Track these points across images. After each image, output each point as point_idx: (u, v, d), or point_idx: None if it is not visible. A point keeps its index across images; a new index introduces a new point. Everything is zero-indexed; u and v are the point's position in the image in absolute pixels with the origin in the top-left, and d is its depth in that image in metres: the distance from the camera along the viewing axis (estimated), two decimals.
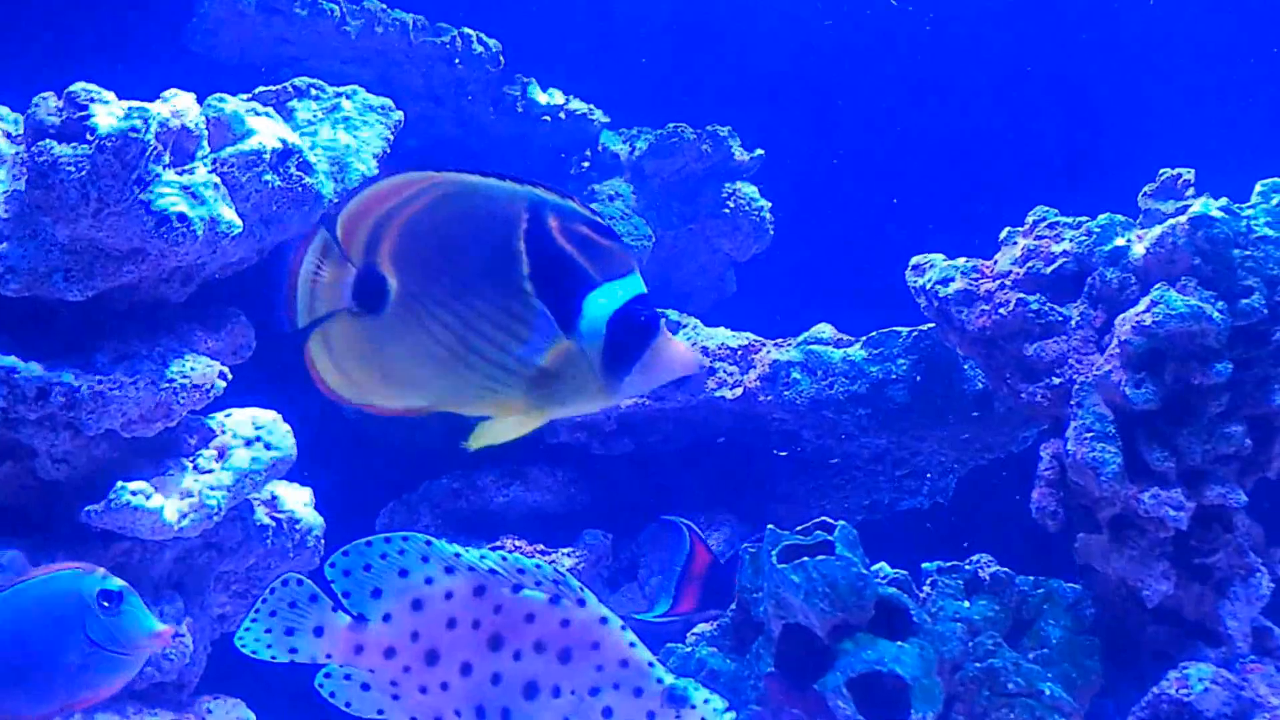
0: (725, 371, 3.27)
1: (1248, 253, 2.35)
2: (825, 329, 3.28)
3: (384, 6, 3.43)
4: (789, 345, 3.22)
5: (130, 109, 2.22)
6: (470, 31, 3.58)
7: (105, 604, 1.69)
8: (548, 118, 3.77)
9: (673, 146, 3.80)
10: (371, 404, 1.41)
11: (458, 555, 1.76)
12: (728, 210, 3.91)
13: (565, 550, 3.21)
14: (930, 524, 3.55)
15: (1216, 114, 4.08)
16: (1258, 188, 2.48)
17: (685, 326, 3.54)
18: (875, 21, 4.41)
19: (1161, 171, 3.19)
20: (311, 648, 1.75)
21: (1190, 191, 3.12)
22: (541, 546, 3.21)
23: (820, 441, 3.33)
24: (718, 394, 3.25)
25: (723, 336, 3.37)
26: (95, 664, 1.69)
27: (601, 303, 1.28)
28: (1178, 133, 3.98)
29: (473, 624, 1.80)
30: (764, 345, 3.28)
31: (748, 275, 4.11)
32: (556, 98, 3.81)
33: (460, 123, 3.70)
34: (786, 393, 3.14)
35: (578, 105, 3.83)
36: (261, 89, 2.97)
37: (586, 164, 3.88)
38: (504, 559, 1.79)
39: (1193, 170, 3.16)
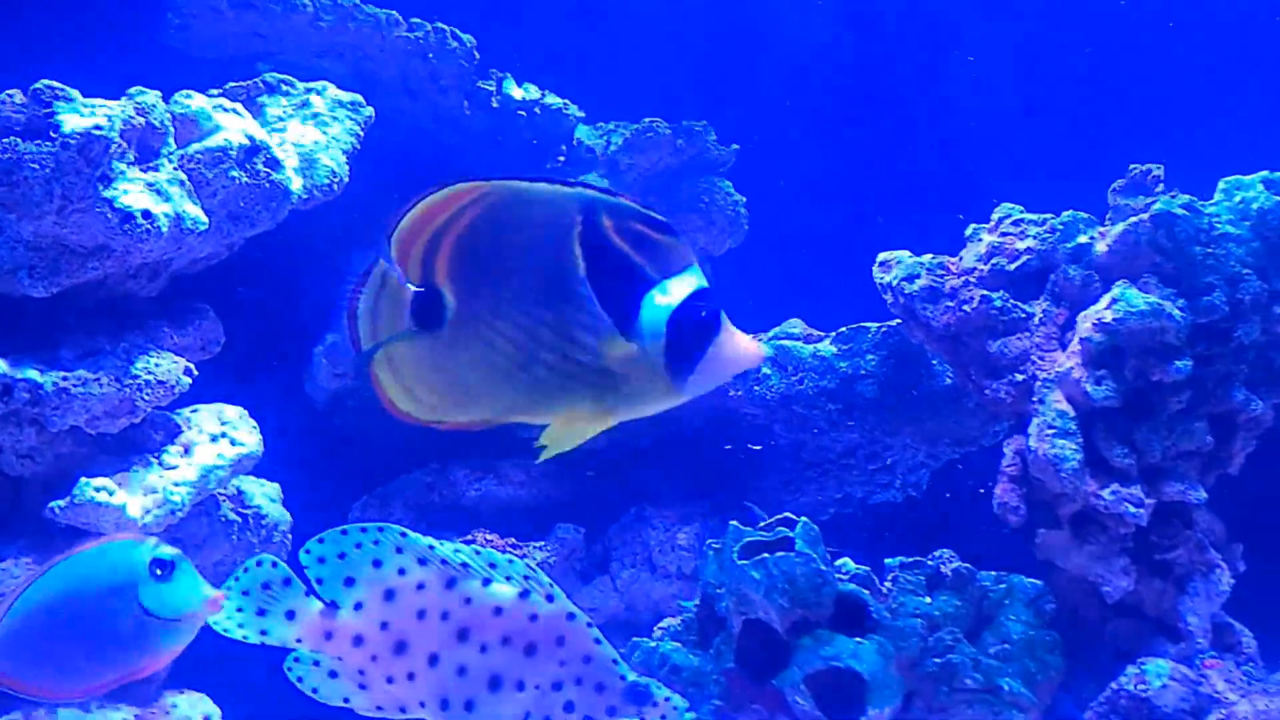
0: None
1: (1210, 250, 2.36)
2: (796, 324, 3.29)
3: (358, 2, 3.42)
4: (761, 340, 3.23)
5: (95, 107, 2.23)
6: (444, 26, 3.57)
7: (158, 572, 1.68)
8: (523, 112, 3.77)
9: (648, 141, 3.80)
10: (441, 421, 1.39)
11: (431, 548, 1.77)
12: (703, 205, 3.91)
13: (537, 544, 3.22)
14: (904, 518, 3.56)
15: (1190, 109, 4.09)
16: (1220, 185, 2.49)
17: None
18: (852, 18, 4.41)
19: (1131, 167, 3.20)
20: (283, 630, 1.76)
21: (1160, 187, 3.13)
22: (513, 540, 3.22)
23: (792, 436, 3.34)
24: None
25: None
26: (149, 632, 1.67)
27: (660, 301, 1.25)
28: (1151, 128, 3.99)
29: (442, 616, 1.82)
30: None
31: (723, 269, 4.11)
32: (532, 92, 3.81)
33: (435, 117, 3.69)
34: (757, 388, 3.15)
35: (553, 100, 3.82)
36: (232, 84, 2.97)
37: (562, 159, 3.88)
38: (477, 553, 1.80)
39: (1162, 166, 3.17)
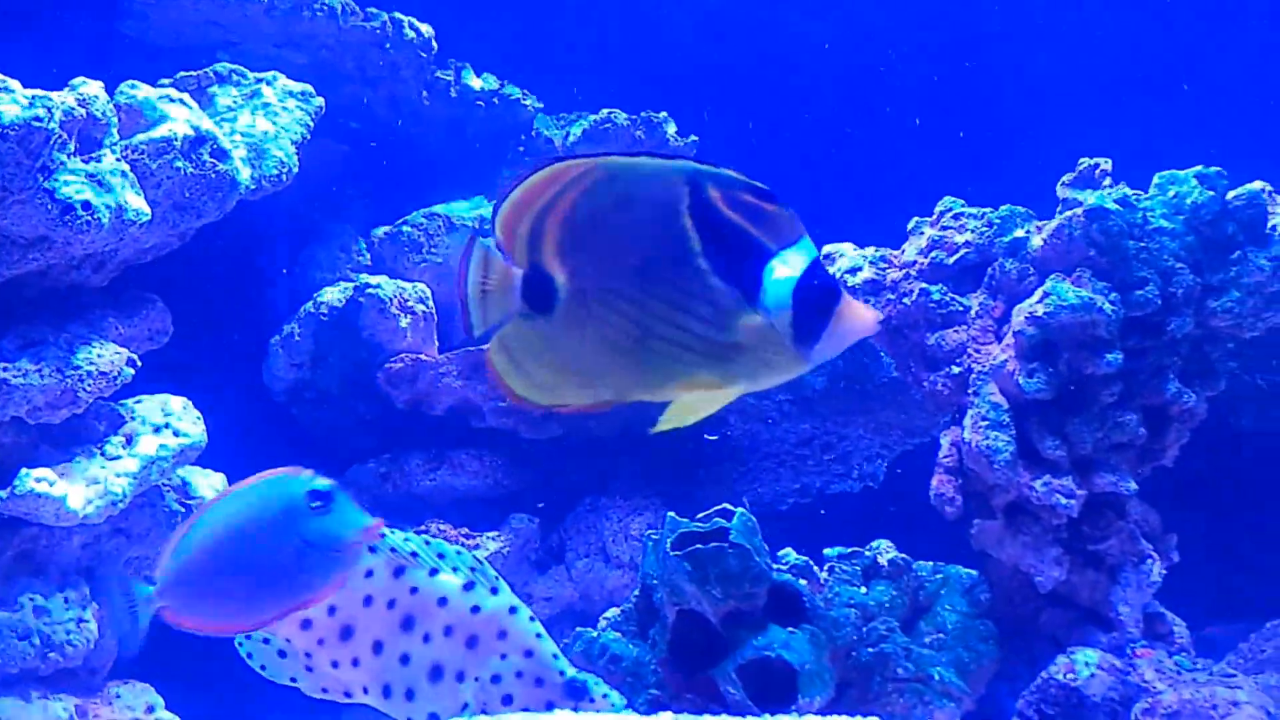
0: None
1: (1143, 244, 2.38)
2: None
3: None
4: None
5: (34, 97, 2.23)
6: (401, 16, 3.58)
7: (316, 504, 1.69)
8: (481, 103, 3.78)
9: (606, 132, 3.82)
10: (561, 404, 1.37)
11: (381, 535, 1.80)
12: None
13: (491, 534, 3.24)
14: (862, 508, 3.59)
15: (1140, 104, 4.12)
16: (1155, 179, 2.52)
17: None
18: (805, 9, 4.43)
19: (1080, 161, 3.23)
20: None
21: (1107, 181, 3.15)
22: (466, 530, 3.24)
23: (747, 426, 3.37)
24: None
25: None
26: (310, 564, 1.67)
27: (782, 272, 1.24)
28: (1103, 121, 4.02)
29: (388, 604, 1.85)
30: None
31: None
32: (490, 83, 3.82)
33: (393, 107, 3.70)
34: None
35: (512, 90, 3.84)
36: (183, 74, 2.99)
37: (521, 149, 3.89)
38: (427, 543, 1.83)
39: (1110, 160, 3.20)
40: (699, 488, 3.51)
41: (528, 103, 3.86)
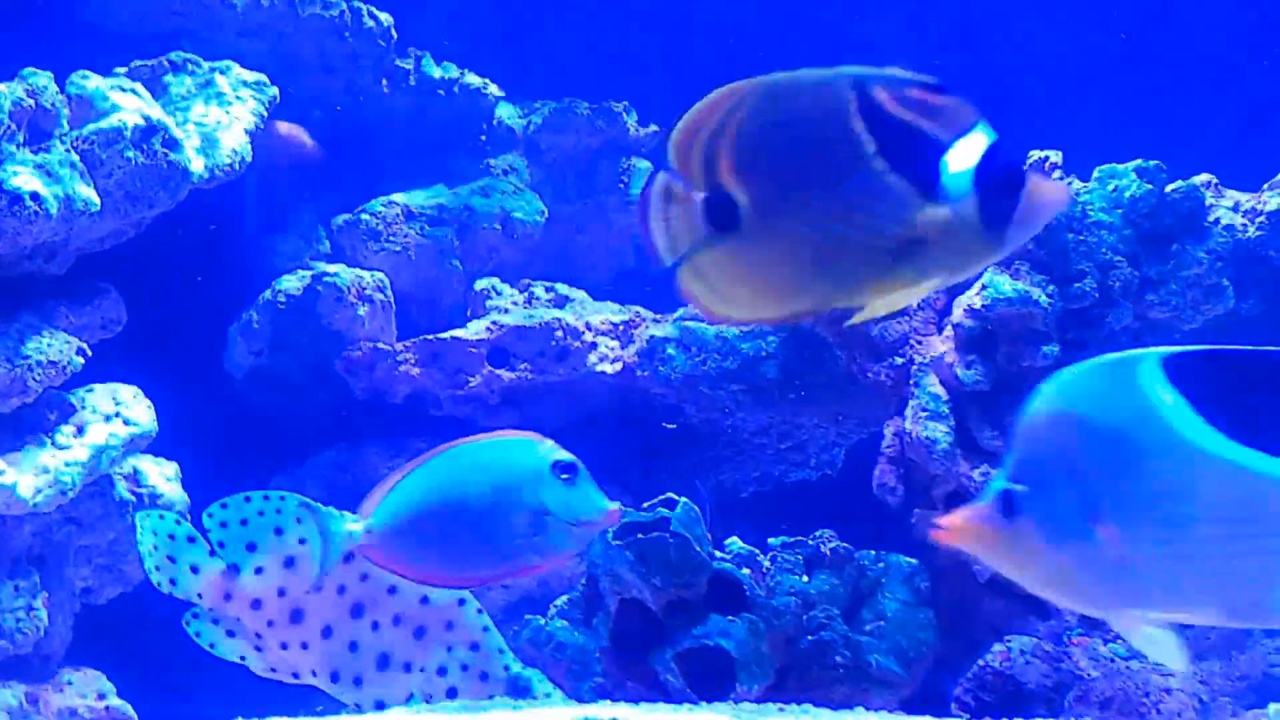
0: (606, 346, 3.33)
1: (1081, 238, 2.42)
2: None
3: None
4: (667, 321, 3.28)
5: None
6: (361, 5, 3.60)
7: (563, 476, 1.67)
8: (441, 91, 3.80)
9: (566, 122, 3.84)
10: (760, 318, 1.42)
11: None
12: (623, 185, 3.95)
13: None
14: (821, 495, 3.62)
15: (1099, 97, 4.16)
16: (1095, 173, 2.56)
17: (572, 301, 3.59)
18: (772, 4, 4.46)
19: (1030, 153, 3.27)
20: (187, 583, 1.83)
21: (1057, 174, 3.19)
22: None
23: (703, 415, 3.39)
24: (599, 368, 3.31)
25: (608, 312, 3.43)
26: (546, 532, 1.66)
27: (961, 161, 1.24)
28: (1066, 112, 4.06)
29: (338, 589, 1.89)
30: (644, 320, 3.34)
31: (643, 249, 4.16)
32: (451, 71, 3.84)
33: (353, 95, 3.72)
34: (662, 368, 3.20)
35: (472, 79, 3.86)
36: (138, 63, 2.99)
37: (483, 138, 3.91)
38: None
39: (1060, 152, 3.23)
40: (659, 476, 3.54)
41: (488, 91, 3.87)
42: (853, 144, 1.26)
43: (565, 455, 1.70)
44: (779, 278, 1.31)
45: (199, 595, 1.86)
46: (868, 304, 1.33)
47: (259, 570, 1.86)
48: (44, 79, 2.40)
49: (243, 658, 1.91)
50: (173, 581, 1.86)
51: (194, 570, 1.85)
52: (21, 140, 2.32)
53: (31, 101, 2.33)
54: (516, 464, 1.67)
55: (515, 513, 1.64)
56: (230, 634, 1.89)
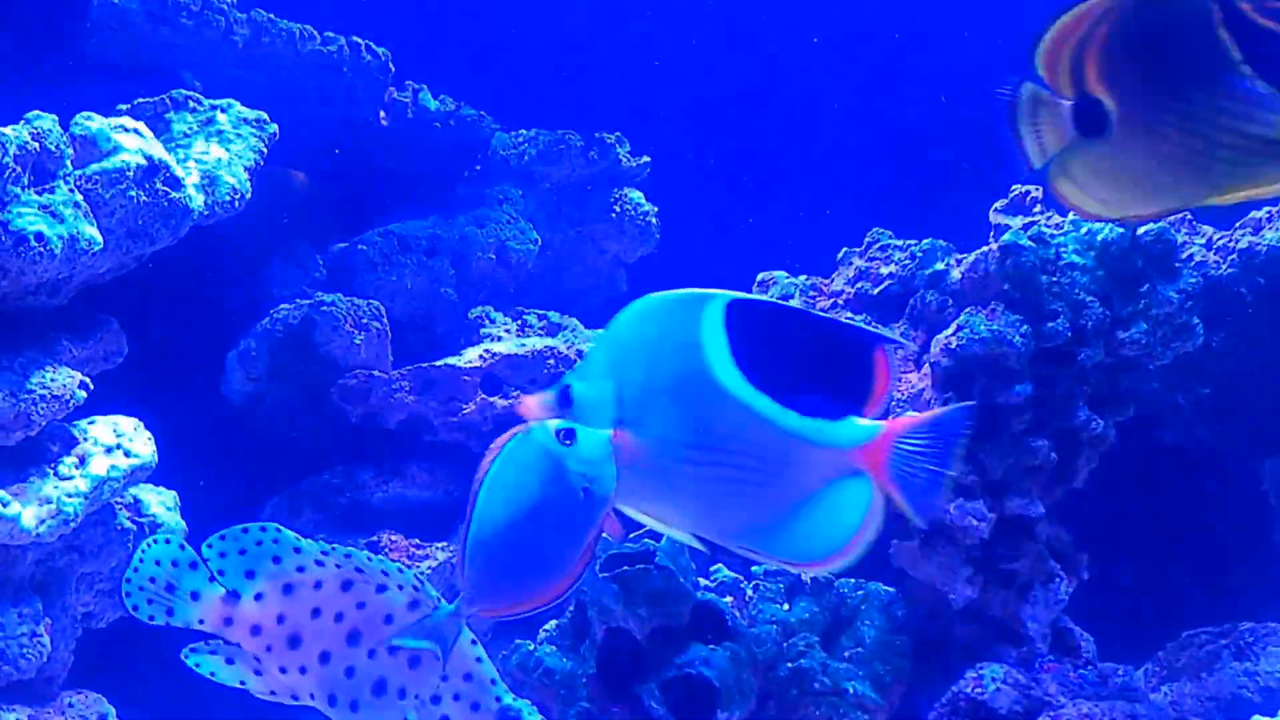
0: None
1: (1055, 279, 2.48)
2: None
3: (271, 17, 3.51)
4: None
5: None
6: (359, 40, 3.67)
7: (567, 442, 1.71)
8: (438, 124, 3.87)
9: (560, 153, 3.90)
10: (1131, 216, 1.52)
11: (331, 550, 1.88)
12: (615, 214, 4.02)
13: (440, 544, 3.32)
14: None
15: None
16: (1070, 215, 2.61)
17: (565, 329, 3.65)
18: (764, 35, 4.53)
19: (1013, 187, 3.34)
20: (187, 611, 1.87)
21: (1038, 208, 3.27)
22: (417, 540, 3.32)
23: None
24: None
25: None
26: (584, 501, 1.71)
27: None
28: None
29: (335, 616, 1.93)
30: None
31: (637, 275, 4.22)
32: (448, 104, 3.90)
33: (352, 127, 3.79)
34: None
35: (468, 111, 3.93)
36: (140, 100, 3.06)
37: (478, 167, 3.97)
38: (369, 559, 1.92)
39: (1040, 188, 3.30)
40: None
41: (484, 123, 3.94)
42: (1219, 51, 1.33)
43: (556, 422, 1.74)
44: (1149, 180, 1.40)
45: (200, 621, 1.91)
46: (1235, 199, 1.42)
47: (259, 596, 1.90)
48: (48, 121, 2.45)
49: (242, 682, 1.96)
50: (169, 612, 1.91)
51: (194, 597, 1.90)
52: (27, 181, 2.37)
53: (36, 144, 2.38)
54: (532, 462, 1.72)
55: (559, 503, 1.70)
56: (229, 660, 1.93)
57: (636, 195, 4.04)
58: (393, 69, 3.75)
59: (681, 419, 1.36)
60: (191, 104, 3.02)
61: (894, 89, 4.35)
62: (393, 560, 3.21)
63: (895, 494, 1.33)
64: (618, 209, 4.02)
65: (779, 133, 4.49)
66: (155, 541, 1.92)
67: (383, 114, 3.79)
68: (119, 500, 2.59)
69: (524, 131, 4.02)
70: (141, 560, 1.90)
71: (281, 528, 1.94)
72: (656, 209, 4.06)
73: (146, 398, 2.85)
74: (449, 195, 3.89)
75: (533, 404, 1.45)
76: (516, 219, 3.83)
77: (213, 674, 1.91)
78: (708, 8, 4.49)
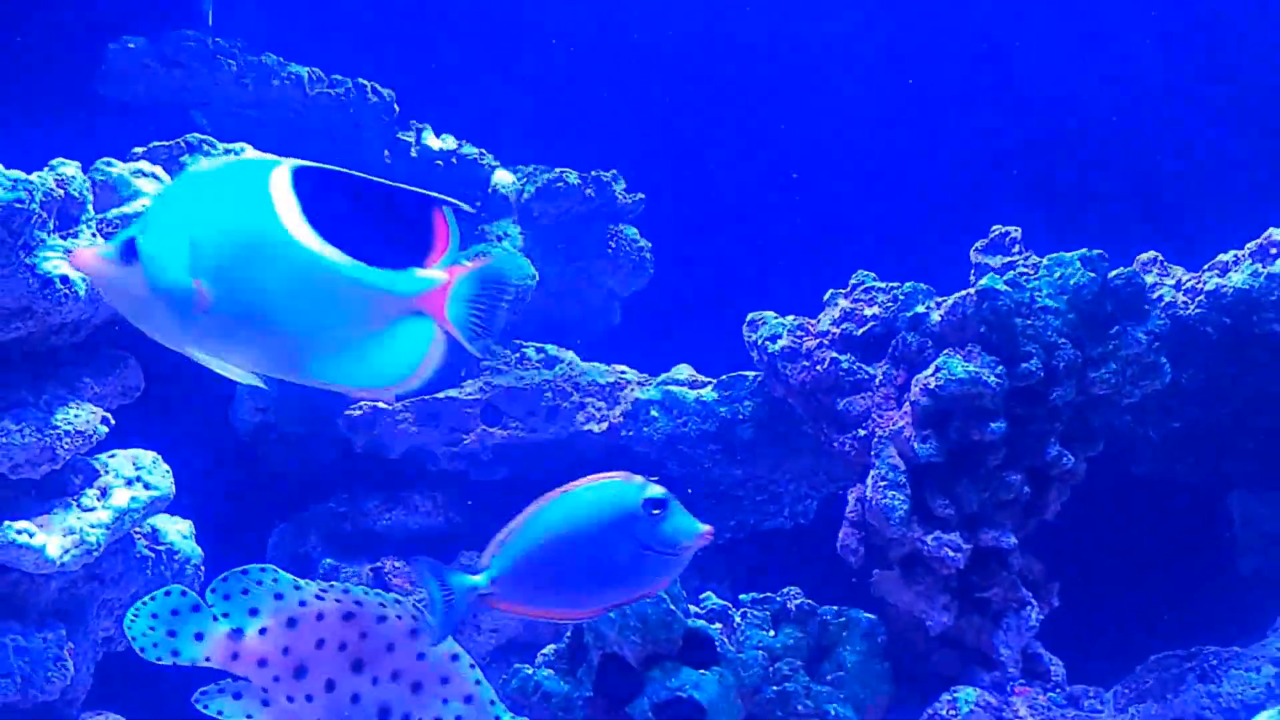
0: (594, 407, 3.50)
1: (1029, 321, 2.59)
2: (683, 370, 3.51)
3: (280, 60, 3.62)
4: (650, 384, 3.45)
5: (16, 181, 2.40)
6: (365, 82, 3.78)
7: (654, 511, 1.86)
8: (440, 162, 3.98)
9: (558, 191, 4.01)
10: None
11: (329, 586, 1.98)
12: (610, 249, 4.12)
13: None
14: (794, 543, 3.79)
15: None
16: (1044, 261, 2.73)
17: (561, 361, 3.76)
18: (759, 73, 4.64)
19: (994, 228, 3.46)
20: (192, 650, 1.97)
21: (1017, 249, 3.39)
22: None
23: (684, 470, 3.56)
24: (586, 427, 3.48)
25: (595, 373, 3.60)
26: (645, 564, 1.85)
27: None
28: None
29: (339, 646, 2.03)
30: (629, 383, 3.51)
31: (631, 308, 4.33)
32: (449, 143, 4.01)
33: (357, 166, 3.86)
34: (645, 429, 3.37)
35: (469, 150, 4.03)
36: (155, 144, 3.16)
37: (478, 203, 4.08)
38: (366, 592, 2.02)
39: (1019, 228, 3.42)
40: None
41: (484, 161, 4.05)
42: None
43: (657, 491, 1.89)
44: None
45: (206, 658, 2.00)
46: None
47: (263, 631, 2.00)
48: (72, 168, 2.56)
49: (249, 716, 2.04)
50: (175, 653, 2.00)
51: (199, 637, 1.99)
52: (52, 227, 2.48)
53: (61, 191, 2.49)
54: (612, 506, 1.87)
55: (617, 551, 1.84)
56: (236, 696, 2.02)
57: (631, 231, 4.14)
58: (397, 109, 3.87)
59: (258, 271, 1.52)
60: (205, 147, 3.13)
61: (889, 128, 4.47)
62: (394, 585, 3.33)
63: (454, 331, 1.55)
64: (613, 244, 4.13)
65: (772, 170, 4.61)
66: (154, 598, 2.01)
67: (387, 153, 3.90)
68: (137, 530, 2.69)
69: (523, 167, 4.14)
70: (136, 615, 1.99)
71: (279, 570, 2.04)
72: (650, 244, 4.16)
73: (157, 427, 2.95)
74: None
75: (88, 256, 1.54)
76: (515, 255, 3.94)
77: (220, 713, 2.00)
78: (707, 46, 4.60)
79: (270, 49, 3.77)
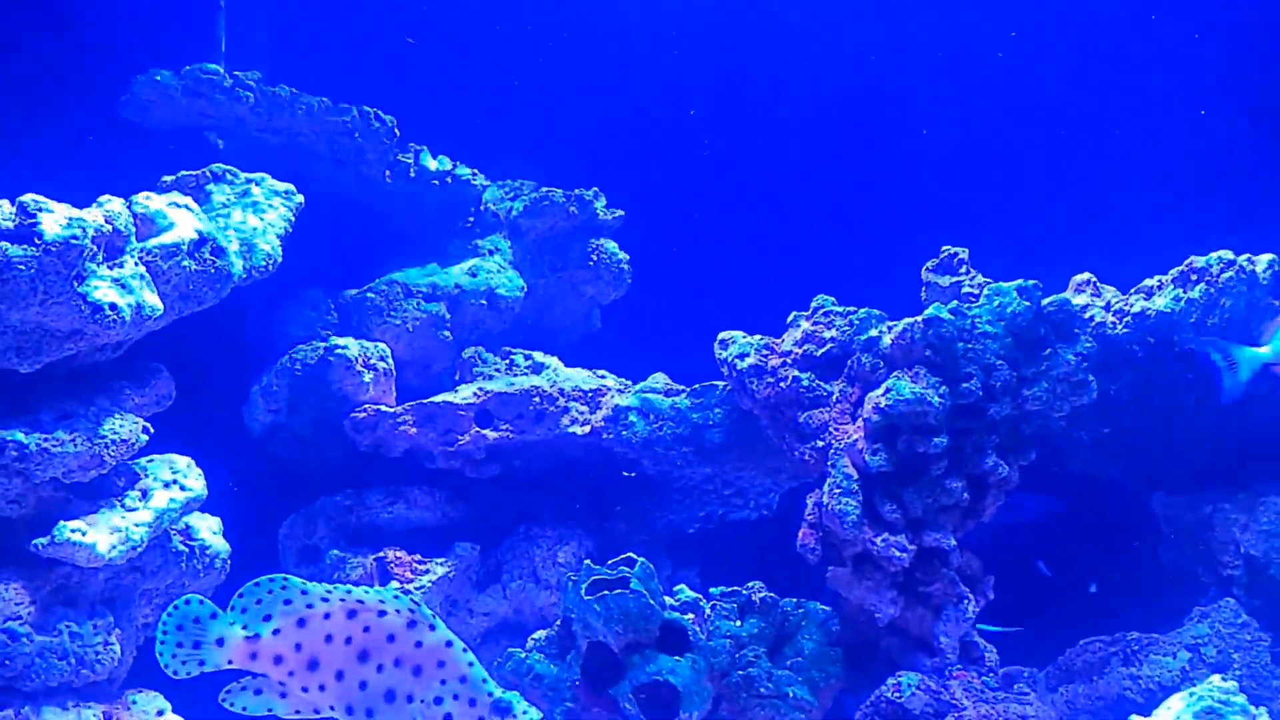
0: (577, 411, 3.75)
1: (970, 345, 2.86)
2: (659, 378, 3.77)
3: (293, 91, 3.84)
4: (629, 392, 3.71)
5: (70, 219, 2.62)
6: (369, 109, 4.00)
7: None
8: (436, 181, 4.21)
9: (544, 209, 4.24)
10: None
11: (332, 589, 2.22)
12: (592, 262, 4.36)
13: (439, 560, 3.67)
14: (757, 532, 4.04)
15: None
16: (985, 291, 2.99)
17: (547, 367, 4.01)
18: (737, 90, 4.87)
19: (943, 249, 3.71)
20: (216, 656, 2.20)
21: (964, 269, 3.65)
22: (419, 557, 3.67)
23: (659, 468, 3.82)
24: (570, 429, 3.73)
25: (578, 379, 3.85)
26: None
27: None
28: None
29: (346, 640, 2.25)
30: (609, 390, 3.77)
31: (610, 315, 4.57)
32: (444, 164, 4.24)
33: (361, 184, 4.12)
34: (624, 432, 3.63)
35: (463, 171, 4.27)
36: (183, 173, 3.39)
37: (471, 219, 4.32)
38: (367, 592, 2.25)
39: (966, 250, 3.68)
40: (617, 519, 3.96)
41: (476, 181, 4.28)
42: None
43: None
44: None
45: (229, 661, 2.22)
46: None
47: (276, 632, 2.22)
48: (117, 204, 2.79)
49: (270, 709, 2.27)
50: (200, 663, 2.23)
51: (219, 643, 2.22)
52: (100, 258, 2.71)
53: (109, 227, 2.71)
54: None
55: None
56: (257, 692, 2.25)
57: (611, 245, 4.38)
58: (398, 133, 4.09)
59: None
60: (229, 176, 3.36)
61: (860, 149, 4.70)
62: (395, 573, 3.57)
63: None
64: (594, 257, 4.36)
65: (743, 186, 4.83)
66: (176, 607, 2.24)
67: (387, 173, 4.12)
68: (174, 528, 2.94)
69: (510, 182, 4.37)
70: (165, 630, 2.21)
71: (289, 576, 2.27)
72: (629, 257, 4.40)
73: (178, 426, 3.17)
74: (445, 246, 4.24)
75: None
76: (505, 268, 4.18)
77: (244, 709, 2.24)
78: (687, 72, 4.80)
79: (276, 68, 3.99)
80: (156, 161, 3.86)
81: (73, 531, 2.63)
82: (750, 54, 4.91)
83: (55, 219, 2.63)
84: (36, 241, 2.60)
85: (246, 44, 4.23)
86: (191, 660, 2.21)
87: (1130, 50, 4.65)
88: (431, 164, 4.20)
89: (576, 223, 4.33)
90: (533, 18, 4.77)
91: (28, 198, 2.65)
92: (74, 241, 2.61)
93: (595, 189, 4.38)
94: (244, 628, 2.22)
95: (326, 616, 2.22)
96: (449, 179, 4.23)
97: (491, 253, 4.20)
